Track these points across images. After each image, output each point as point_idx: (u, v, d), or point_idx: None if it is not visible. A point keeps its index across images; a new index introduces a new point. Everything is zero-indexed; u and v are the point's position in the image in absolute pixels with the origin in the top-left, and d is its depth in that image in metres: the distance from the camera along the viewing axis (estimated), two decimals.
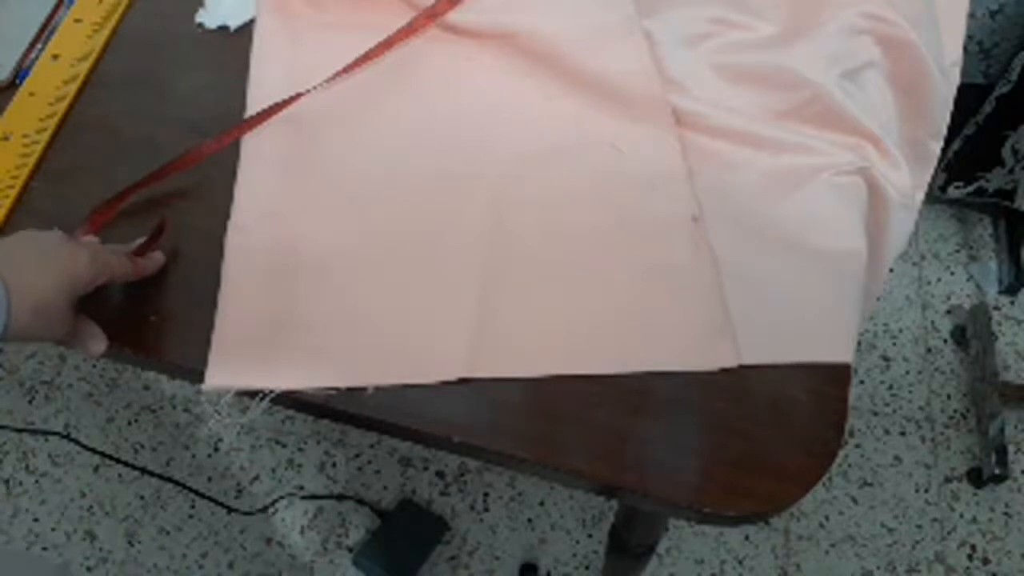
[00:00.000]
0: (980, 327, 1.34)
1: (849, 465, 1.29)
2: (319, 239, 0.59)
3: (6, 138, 0.65)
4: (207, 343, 0.54)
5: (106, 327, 0.54)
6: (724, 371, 0.54)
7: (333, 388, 0.53)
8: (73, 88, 0.68)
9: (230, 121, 0.63)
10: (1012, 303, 1.44)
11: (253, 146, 0.63)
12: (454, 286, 0.57)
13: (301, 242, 0.59)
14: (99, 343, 0.54)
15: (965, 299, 1.44)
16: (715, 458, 0.51)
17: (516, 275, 0.58)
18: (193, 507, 1.29)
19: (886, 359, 1.39)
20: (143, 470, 1.31)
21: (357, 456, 1.32)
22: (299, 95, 0.63)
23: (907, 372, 1.37)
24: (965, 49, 0.70)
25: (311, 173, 0.63)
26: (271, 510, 1.28)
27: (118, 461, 1.32)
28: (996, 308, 1.43)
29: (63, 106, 0.67)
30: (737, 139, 0.62)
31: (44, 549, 1.26)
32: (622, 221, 0.60)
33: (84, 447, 1.33)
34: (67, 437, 1.34)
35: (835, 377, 0.54)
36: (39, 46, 0.71)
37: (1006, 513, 1.25)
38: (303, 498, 1.29)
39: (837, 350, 0.55)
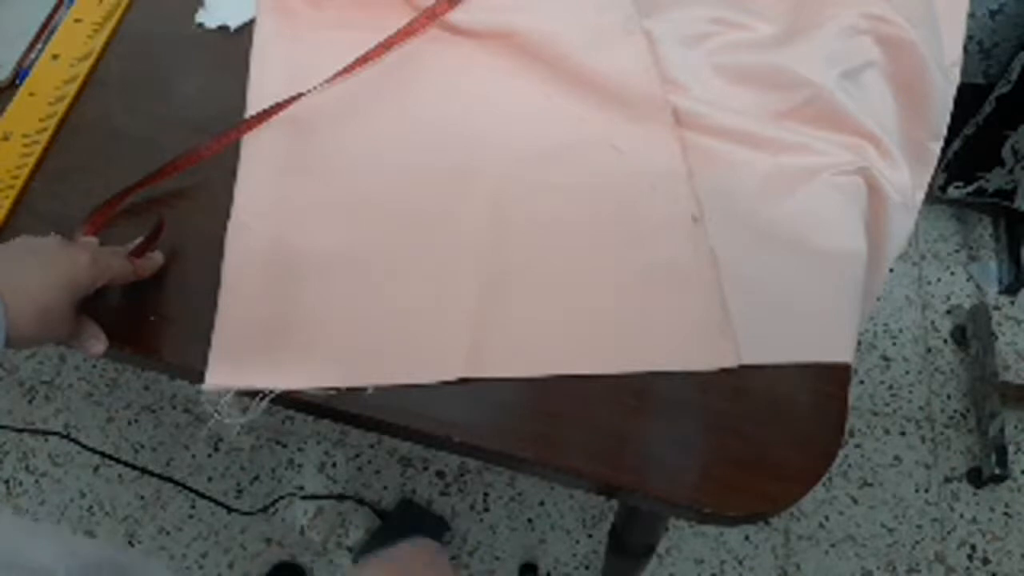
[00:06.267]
0: (980, 327, 1.34)
1: (849, 465, 1.29)
2: (319, 239, 0.59)
3: (6, 138, 0.65)
4: (207, 343, 0.54)
5: (106, 327, 0.55)
6: (724, 371, 0.54)
7: (333, 388, 0.53)
8: (73, 88, 0.68)
9: (230, 121, 0.63)
10: (1012, 303, 1.44)
11: (253, 146, 0.63)
12: (454, 286, 0.57)
13: (301, 242, 0.59)
14: (99, 343, 0.54)
15: (965, 299, 1.44)
16: (715, 458, 0.51)
17: (516, 275, 0.58)
18: (193, 507, 1.29)
19: (886, 359, 1.39)
20: (143, 470, 1.31)
21: (357, 456, 1.32)
22: (299, 95, 0.63)
23: (907, 372, 1.37)
24: (965, 49, 0.70)
25: (311, 173, 0.63)
26: (271, 510, 1.28)
27: (118, 461, 1.32)
28: (996, 308, 1.43)
29: (63, 106, 0.67)
30: (737, 139, 0.62)
31: None
32: (622, 221, 0.60)
33: (84, 447, 1.33)
34: (67, 437, 1.34)
35: (835, 377, 0.54)
36: (39, 46, 0.71)
37: (1006, 513, 1.25)
38: (303, 498, 1.29)
39: (837, 350, 0.55)
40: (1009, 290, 1.41)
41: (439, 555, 0.51)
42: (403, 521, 1.24)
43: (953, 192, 1.37)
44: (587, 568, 1.23)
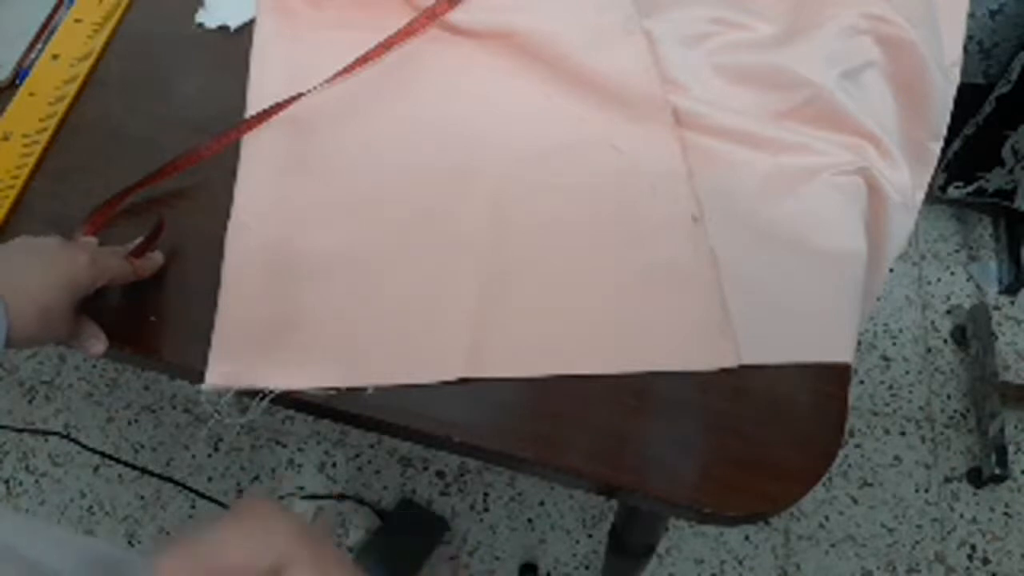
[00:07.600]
0: (980, 327, 1.34)
1: (849, 465, 1.29)
2: (319, 239, 0.59)
3: (6, 138, 0.65)
4: (207, 343, 0.54)
5: (106, 327, 0.55)
6: (724, 371, 0.54)
7: (333, 388, 0.53)
8: (73, 88, 0.68)
9: (230, 121, 0.63)
10: (1012, 303, 1.44)
11: (253, 146, 0.63)
12: (454, 286, 0.57)
13: (301, 242, 0.59)
14: (99, 343, 0.54)
15: (965, 299, 1.44)
16: (715, 458, 0.51)
17: (516, 275, 0.58)
18: (193, 507, 1.29)
19: (886, 359, 1.39)
20: (143, 470, 1.31)
21: (357, 456, 1.32)
22: (299, 95, 0.63)
23: (907, 372, 1.37)
24: (965, 49, 0.70)
25: (311, 173, 0.63)
26: None
27: (118, 461, 1.32)
28: (996, 308, 1.43)
29: (63, 106, 0.67)
30: (737, 139, 0.62)
31: None
32: (622, 221, 0.60)
33: (84, 447, 1.33)
34: (67, 437, 1.34)
35: (835, 377, 0.54)
36: (39, 46, 0.71)
37: (1006, 513, 1.25)
38: (303, 498, 1.29)
39: (837, 350, 0.55)
40: (1009, 290, 1.41)
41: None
42: (403, 521, 1.24)
43: (953, 192, 1.37)
44: (587, 568, 1.22)
